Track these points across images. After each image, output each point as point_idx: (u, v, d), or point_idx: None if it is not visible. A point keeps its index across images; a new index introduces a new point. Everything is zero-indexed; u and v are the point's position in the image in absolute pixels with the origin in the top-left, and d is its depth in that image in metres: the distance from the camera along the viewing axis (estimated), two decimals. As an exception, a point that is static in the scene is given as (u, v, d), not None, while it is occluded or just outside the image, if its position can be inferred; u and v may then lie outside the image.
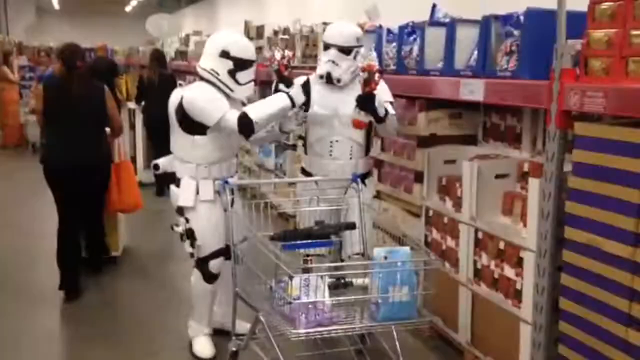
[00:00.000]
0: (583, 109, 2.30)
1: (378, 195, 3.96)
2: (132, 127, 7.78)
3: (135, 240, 5.23)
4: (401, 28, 3.78)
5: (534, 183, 2.62)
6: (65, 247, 4.10)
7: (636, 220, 2.08)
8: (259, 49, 6.81)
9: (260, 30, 6.99)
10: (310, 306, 2.45)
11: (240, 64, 3.07)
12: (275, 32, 6.59)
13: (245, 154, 7.19)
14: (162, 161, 3.25)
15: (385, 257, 2.48)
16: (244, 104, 3.22)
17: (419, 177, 3.55)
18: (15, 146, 10.33)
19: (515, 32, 2.84)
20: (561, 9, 2.38)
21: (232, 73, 3.06)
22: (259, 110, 3.01)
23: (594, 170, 2.25)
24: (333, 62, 3.21)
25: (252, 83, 3.17)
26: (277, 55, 3.29)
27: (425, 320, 2.56)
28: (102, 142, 4.14)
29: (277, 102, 3.07)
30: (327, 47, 3.26)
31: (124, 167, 4.51)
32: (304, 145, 3.52)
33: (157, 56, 7.31)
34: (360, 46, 3.24)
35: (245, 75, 3.09)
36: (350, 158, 3.28)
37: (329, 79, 3.23)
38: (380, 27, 4.10)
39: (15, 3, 21.30)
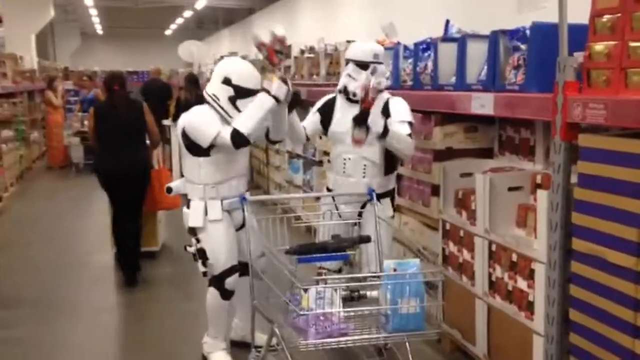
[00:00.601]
0: (586, 121, 2.32)
1: (397, 209, 4.00)
2: (168, 142, 8.12)
3: (171, 239, 5.82)
4: (416, 45, 3.85)
5: (542, 195, 2.63)
6: (119, 229, 4.86)
7: (639, 230, 2.08)
8: (287, 68, 6.99)
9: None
10: (321, 317, 2.51)
11: (241, 92, 3.09)
12: (302, 51, 6.74)
13: (275, 171, 7.33)
14: (175, 184, 3.38)
15: (395, 269, 2.53)
16: None
17: (435, 191, 3.59)
18: (60, 167, 10.77)
19: (522, 47, 2.88)
20: (562, 23, 2.41)
21: (232, 100, 3.10)
22: (248, 122, 3.00)
23: (598, 181, 2.25)
24: (349, 75, 3.31)
25: None
26: (266, 38, 3.03)
27: (435, 331, 2.57)
28: (142, 152, 4.79)
29: (262, 105, 3.01)
30: (347, 62, 3.38)
31: (163, 172, 5.22)
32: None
33: (192, 79, 8.16)
34: (379, 63, 3.29)
35: (245, 104, 3.08)
36: (364, 176, 3.29)
37: (346, 93, 3.33)
38: (398, 43, 4.17)
39: (61, 29, 22.38)
